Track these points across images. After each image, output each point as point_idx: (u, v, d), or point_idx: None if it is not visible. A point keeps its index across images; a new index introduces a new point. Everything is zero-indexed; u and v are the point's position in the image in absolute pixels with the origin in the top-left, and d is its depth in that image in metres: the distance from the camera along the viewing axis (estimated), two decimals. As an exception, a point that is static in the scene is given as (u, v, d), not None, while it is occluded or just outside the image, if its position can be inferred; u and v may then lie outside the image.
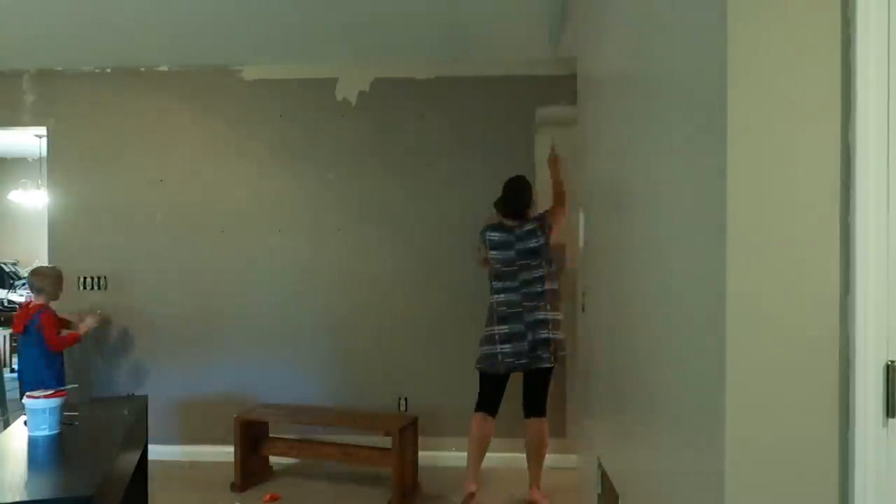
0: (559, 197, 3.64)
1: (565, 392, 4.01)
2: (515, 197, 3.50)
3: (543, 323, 3.34)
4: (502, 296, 3.42)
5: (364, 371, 4.12)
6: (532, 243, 3.41)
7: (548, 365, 3.35)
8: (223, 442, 4.00)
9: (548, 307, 3.37)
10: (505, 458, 3.89)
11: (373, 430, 3.63)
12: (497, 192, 3.60)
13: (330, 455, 3.62)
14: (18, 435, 1.87)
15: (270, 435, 3.84)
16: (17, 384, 5.69)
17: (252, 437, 3.72)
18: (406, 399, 4.09)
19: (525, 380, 3.44)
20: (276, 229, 4.16)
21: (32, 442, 1.81)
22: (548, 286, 3.40)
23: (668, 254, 1.61)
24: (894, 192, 1.16)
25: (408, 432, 3.51)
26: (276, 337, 4.15)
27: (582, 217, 3.15)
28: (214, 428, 4.09)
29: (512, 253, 3.43)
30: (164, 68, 4.19)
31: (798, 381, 1.19)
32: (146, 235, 4.19)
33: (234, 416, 3.68)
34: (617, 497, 2.22)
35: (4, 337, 6.72)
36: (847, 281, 1.17)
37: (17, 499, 1.37)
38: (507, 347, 3.35)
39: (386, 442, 3.55)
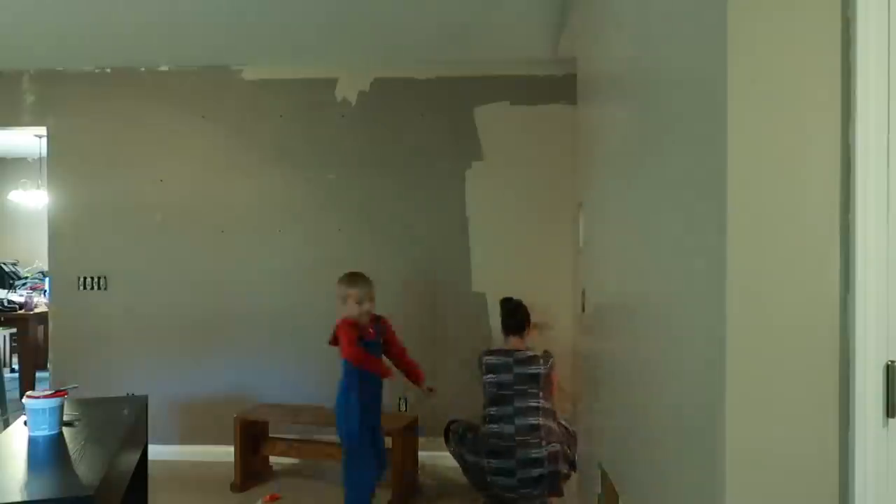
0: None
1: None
2: (512, 314, 3.48)
3: (537, 462, 3.15)
4: (495, 426, 3.22)
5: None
6: (532, 369, 3.30)
7: (538, 500, 3.22)
8: (223, 442, 4.00)
9: (542, 442, 3.18)
10: None
11: (373, 430, 3.62)
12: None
13: (330, 455, 3.61)
14: (18, 435, 1.87)
15: (270, 435, 3.84)
16: (17, 384, 5.71)
17: (252, 437, 3.72)
18: (406, 399, 4.09)
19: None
20: (276, 229, 4.16)
21: (32, 442, 1.80)
22: (542, 420, 3.22)
23: (667, 254, 1.61)
24: (894, 192, 1.16)
25: (408, 432, 3.51)
26: (276, 337, 4.15)
27: (582, 217, 3.15)
28: (214, 428, 4.09)
29: (509, 377, 3.28)
30: (164, 68, 4.19)
31: (798, 381, 1.19)
32: (146, 235, 4.19)
33: (234, 416, 3.68)
34: (617, 497, 2.22)
35: (4, 337, 6.72)
36: (847, 280, 1.17)
37: (17, 499, 1.37)
38: (499, 479, 3.19)
39: (386, 442, 3.54)
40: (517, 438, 3.17)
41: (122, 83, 4.20)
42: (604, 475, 2.48)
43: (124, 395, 3.81)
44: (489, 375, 3.31)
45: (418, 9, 3.31)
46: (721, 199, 1.22)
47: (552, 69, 4.00)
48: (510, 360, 3.31)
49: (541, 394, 3.28)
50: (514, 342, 3.43)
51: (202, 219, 4.17)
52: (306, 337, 4.13)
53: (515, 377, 3.28)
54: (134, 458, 2.08)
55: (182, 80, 4.18)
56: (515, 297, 3.60)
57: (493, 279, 4.06)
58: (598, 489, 2.59)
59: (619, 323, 2.21)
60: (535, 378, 3.28)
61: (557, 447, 3.21)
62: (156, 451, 3.81)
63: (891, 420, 1.15)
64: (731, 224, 1.19)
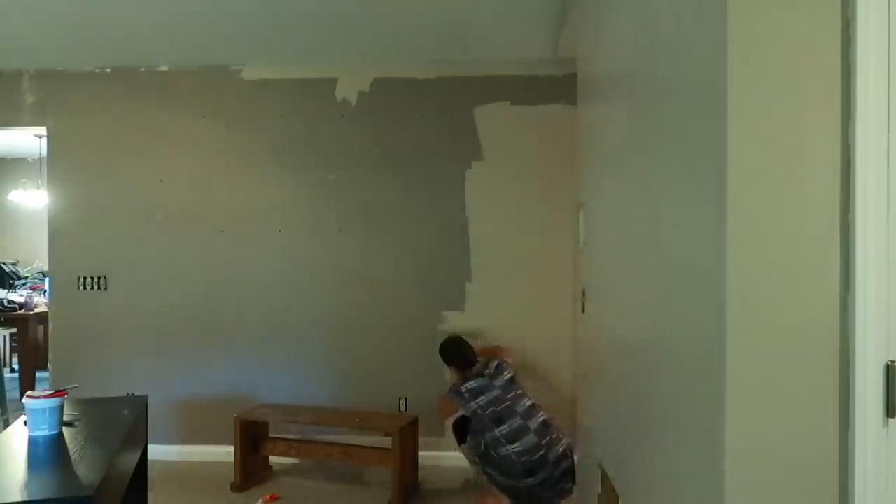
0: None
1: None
2: (461, 350, 3.51)
3: (565, 456, 3.19)
4: (517, 445, 3.12)
5: (364, 371, 4.12)
6: (507, 374, 3.36)
7: (569, 491, 3.24)
8: (223, 442, 4.00)
9: (558, 435, 3.24)
10: None
11: (373, 430, 3.63)
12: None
13: (330, 455, 3.62)
14: (18, 435, 1.87)
15: (270, 435, 3.84)
16: (17, 384, 5.71)
17: (252, 437, 3.72)
18: (406, 399, 4.09)
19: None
20: (277, 229, 4.16)
21: (32, 442, 1.80)
22: (544, 415, 3.29)
23: (667, 254, 1.61)
24: (894, 192, 1.16)
25: (408, 432, 3.51)
26: (276, 337, 4.15)
27: (582, 217, 3.15)
28: (214, 428, 4.09)
29: (497, 391, 3.27)
30: (164, 68, 4.19)
31: (798, 381, 1.19)
32: (146, 235, 4.19)
33: (234, 416, 3.68)
34: (617, 497, 2.22)
35: (4, 337, 6.72)
36: (847, 280, 1.17)
37: (17, 499, 1.37)
38: (541, 491, 3.17)
39: (386, 442, 3.55)
40: (542, 444, 3.15)
41: (122, 83, 4.20)
42: (604, 475, 2.48)
43: (124, 395, 3.81)
44: (479, 398, 3.24)
45: (418, 9, 3.31)
46: (721, 198, 1.22)
47: (552, 69, 4.01)
48: (486, 379, 3.30)
49: (525, 391, 3.34)
50: (474, 370, 3.40)
51: (202, 219, 4.17)
52: (306, 337, 4.13)
53: (502, 388, 3.29)
54: (134, 458, 2.08)
55: (182, 80, 4.18)
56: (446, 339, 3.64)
57: (493, 279, 4.06)
58: (598, 489, 2.59)
59: (619, 323, 2.21)
60: (514, 381, 3.35)
61: (567, 438, 3.29)
62: (156, 451, 3.81)
63: (891, 420, 1.15)
64: (731, 224, 1.20)
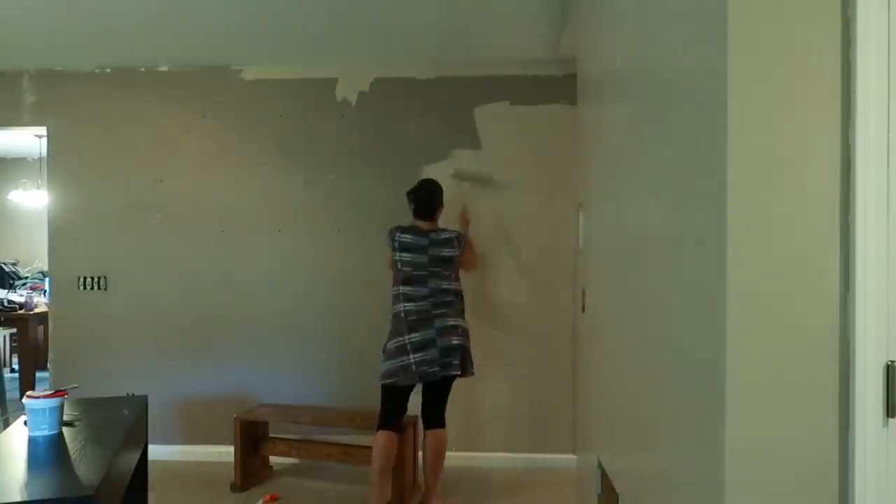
0: (470, 248, 3.56)
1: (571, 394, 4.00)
2: (428, 198, 3.41)
3: (454, 329, 3.22)
4: (411, 304, 3.24)
5: (364, 371, 4.11)
6: (447, 252, 3.30)
7: (457, 373, 3.21)
8: (223, 442, 4.01)
9: (458, 316, 3.28)
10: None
11: (373, 430, 3.62)
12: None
13: (330, 455, 3.61)
14: (18, 435, 1.87)
15: (270, 435, 3.84)
16: (17, 384, 5.71)
17: (252, 437, 3.72)
18: (406, 399, 4.08)
19: (427, 389, 3.31)
20: (276, 229, 4.16)
21: (32, 442, 1.81)
22: (455, 298, 3.31)
23: (667, 253, 1.61)
24: (894, 192, 1.16)
25: (408, 432, 3.51)
26: (276, 337, 4.15)
27: (582, 217, 3.15)
28: (214, 428, 4.09)
29: (425, 258, 3.28)
30: (164, 68, 4.19)
31: (798, 381, 1.19)
32: (146, 235, 4.19)
33: (234, 416, 3.68)
34: (617, 497, 2.22)
35: (4, 337, 6.72)
36: (847, 280, 1.17)
37: (17, 499, 1.37)
38: (419, 356, 3.17)
39: (386, 442, 3.54)
40: (434, 312, 3.22)
41: (122, 83, 4.20)
42: (604, 475, 2.48)
43: (124, 395, 3.81)
44: (404, 254, 3.28)
45: (418, 9, 3.31)
46: (721, 199, 1.22)
47: (552, 69, 4.01)
48: (426, 240, 3.29)
49: (453, 276, 3.33)
50: (425, 224, 3.38)
51: (202, 219, 4.18)
52: (306, 337, 4.13)
53: (430, 259, 3.28)
54: (134, 458, 2.08)
55: (182, 80, 4.18)
56: (431, 177, 3.60)
57: (492, 278, 4.06)
58: (598, 489, 2.60)
59: (620, 323, 2.21)
60: (448, 261, 3.31)
61: (466, 326, 3.31)
62: (156, 451, 3.81)
63: (891, 420, 1.15)
64: (731, 224, 1.20)
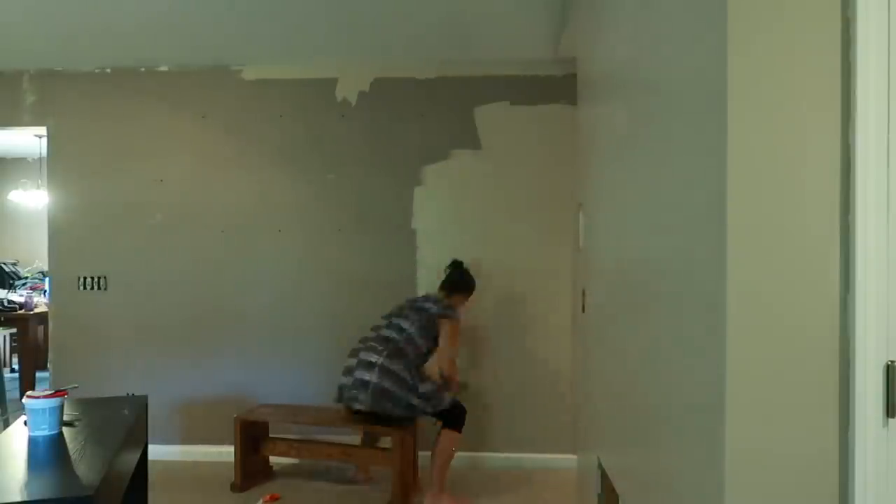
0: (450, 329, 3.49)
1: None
2: (452, 275, 3.63)
3: (370, 366, 3.25)
4: (369, 333, 3.46)
5: (364, 371, 4.12)
6: (427, 305, 3.44)
7: (361, 408, 3.27)
8: (223, 442, 4.01)
9: (392, 358, 3.26)
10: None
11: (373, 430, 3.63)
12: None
13: (330, 455, 3.61)
14: (18, 435, 1.87)
15: (270, 435, 3.84)
16: (17, 384, 5.71)
17: (252, 437, 3.72)
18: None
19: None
20: (277, 229, 4.16)
21: (32, 442, 1.81)
22: (408, 346, 3.32)
23: (667, 254, 1.61)
24: (894, 192, 1.16)
25: (408, 432, 3.51)
26: (276, 337, 4.15)
27: (582, 217, 3.15)
28: (214, 428, 4.09)
29: (405, 303, 3.53)
30: (164, 68, 4.19)
31: (798, 381, 1.19)
32: (146, 235, 4.19)
33: (234, 416, 3.68)
34: (617, 497, 2.22)
35: (4, 337, 6.72)
36: (847, 280, 1.17)
37: (17, 499, 1.37)
38: (344, 380, 3.35)
39: (386, 442, 3.55)
40: (370, 343, 3.36)
41: (121, 83, 4.20)
42: (603, 475, 2.48)
43: (124, 395, 3.81)
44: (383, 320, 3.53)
45: (418, 9, 3.31)
46: (721, 199, 1.22)
47: (552, 69, 4.01)
48: (402, 309, 3.50)
49: (417, 323, 3.37)
50: (438, 293, 3.61)
51: (202, 219, 4.18)
52: (306, 337, 4.13)
53: (408, 303, 3.51)
54: (134, 458, 2.08)
55: (182, 80, 4.18)
56: (466, 265, 3.73)
57: (492, 279, 4.06)
58: (598, 489, 2.60)
59: (619, 323, 2.21)
60: (422, 311, 3.43)
61: (398, 371, 3.25)
62: (156, 451, 3.82)
63: (891, 420, 1.15)
64: (732, 224, 1.20)
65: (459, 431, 3.38)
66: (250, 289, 4.16)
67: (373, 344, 3.35)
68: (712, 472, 1.25)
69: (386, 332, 3.39)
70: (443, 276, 3.66)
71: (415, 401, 3.28)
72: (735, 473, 1.19)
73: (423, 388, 3.32)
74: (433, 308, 3.42)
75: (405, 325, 3.39)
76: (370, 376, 3.24)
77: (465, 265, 3.70)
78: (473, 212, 4.07)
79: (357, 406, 3.28)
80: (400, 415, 3.30)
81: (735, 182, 1.19)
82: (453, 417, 3.37)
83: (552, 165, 4.01)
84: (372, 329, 3.48)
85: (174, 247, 4.18)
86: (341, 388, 3.36)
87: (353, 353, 3.40)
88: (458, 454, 4.01)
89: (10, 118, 4.26)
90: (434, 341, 3.42)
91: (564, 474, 3.84)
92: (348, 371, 3.35)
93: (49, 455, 1.71)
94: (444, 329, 3.41)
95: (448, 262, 3.75)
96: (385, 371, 3.24)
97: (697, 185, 1.37)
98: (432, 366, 3.48)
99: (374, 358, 3.27)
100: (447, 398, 3.38)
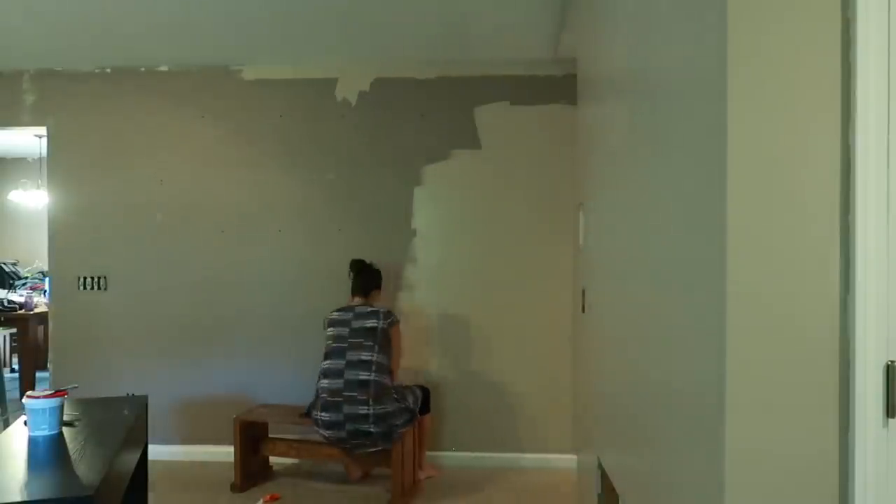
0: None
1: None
2: (362, 276, 3.60)
3: (364, 418, 3.20)
4: (326, 382, 3.30)
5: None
6: (369, 322, 3.37)
7: (374, 448, 3.32)
8: (223, 442, 4.01)
9: (375, 399, 3.22)
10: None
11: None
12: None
13: (330, 455, 3.61)
14: (18, 435, 1.87)
15: (270, 435, 3.84)
16: (17, 384, 5.71)
17: (252, 438, 3.72)
18: (406, 399, 4.08)
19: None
20: (277, 229, 4.16)
21: (32, 442, 1.81)
22: (375, 376, 3.26)
23: (667, 254, 1.61)
24: (894, 192, 1.16)
25: (407, 432, 3.51)
26: (276, 337, 4.15)
27: (582, 217, 3.15)
28: (214, 428, 4.10)
29: (346, 330, 3.38)
30: (164, 68, 4.19)
31: (798, 381, 1.19)
32: (146, 235, 4.19)
33: (234, 416, 3.68)
34: (617, 497, 2.22)
35: (4, 337, 6.72)
36: (847, 281, 1.17)
37: (17, 499, 1.37)
38: (329, 433, 3.29)
39: (386, 442, 3.53)
40: (344, 394, 3.23)
41: (122, 83, 4.20)
42: (603, 475, 2.48)
43: (124, 395, 3.81)
44: (329, 329, 3.45)
45: (418, 9, 3.31)
46: (721, 199, 1.22)
47: (552, 69, 4.01)
48: (350, 314, 3.43)
49: (376, 347, 3.33)
50: (358, 301, 3.57)
51: (202, 219, 4.18)
52: (306, 337, 4.13)
53: (351, 331, 3.38)
54: (134, 458, 2.08)
55: (182, 80, 4.19)
56: (368, 260, 3.77)
57: (492, 279, 4.06)
58: (598, 489, 2.60)
59: (619, 323, 2.21)
60: (370, 332, 3.35)
61: (389, 408, 3.24)
62: (156, 451, 3.82)
63: (891, 420, 1.15)
64: (732, 224, 1.20)
65: (429, 411, 3.67)
66: (250, 289, 4.16)
67: (349, 392, 3.23)
68: (712, 472, 1.25)
69: (354, 357, 3.30)
70: (350, 281, 3.64)
71: (410, 404, 3.41)
72: (735, 473, 1.19)
73: (409, 397, 3.43)
74: (381, 323, 3.38)
75: (366, 356, 3.30)
76: (371, 427, 3.21)
77: (367, 262, 3.70)
78: (473, 212, 4.07)
79: (369, 450, 3.33)
80: (404, 424, 3.34)
81: (735, 182, 1.19)
82: (426, 405, 3.59)
83: (552, 165, 4.02)
84: (327, 357, 3.36)
85: (174, 247, 4.18)
86: (333, 437, 3.27)
87: (331, 404, 3.24)
88: (459, 453, 4.03)
89: (10, 118, 4.26)
90: (389, 350, 3.41)
91: (564, 474, 3.84)
92: (332, 425, 3.24)
93: (49, 455, 1.71)
94: (397, 335, 3.49)
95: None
96: (379, 416, 3.22)
97: (697, 185, 1.37)
98: (395, 372, 3.50)
99: (362, 409, 3.20)
100: (417, 393, 3.52)
